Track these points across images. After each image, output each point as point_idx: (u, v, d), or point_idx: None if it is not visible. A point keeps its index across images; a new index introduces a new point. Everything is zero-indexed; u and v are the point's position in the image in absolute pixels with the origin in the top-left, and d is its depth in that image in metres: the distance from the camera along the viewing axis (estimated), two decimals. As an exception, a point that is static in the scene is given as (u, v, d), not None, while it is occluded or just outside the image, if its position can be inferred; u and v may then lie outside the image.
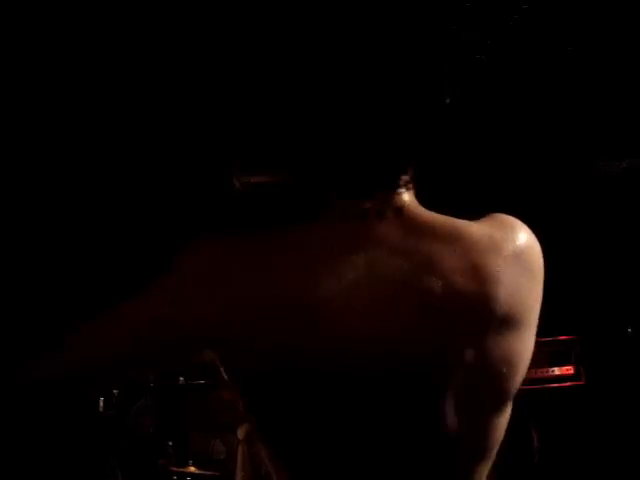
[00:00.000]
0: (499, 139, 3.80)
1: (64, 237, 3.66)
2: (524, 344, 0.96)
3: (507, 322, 0.92)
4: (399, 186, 0.95)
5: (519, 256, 0.95)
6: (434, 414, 0.90)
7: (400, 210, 0.94)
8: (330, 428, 0.90)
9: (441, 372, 0.90)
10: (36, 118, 3.31)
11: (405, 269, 0.89)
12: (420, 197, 0.99)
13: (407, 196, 0.96)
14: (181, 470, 4.90)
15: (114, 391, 5.49)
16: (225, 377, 0.96)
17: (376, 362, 0.88)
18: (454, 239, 0.92)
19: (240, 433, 5.73)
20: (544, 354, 5.45)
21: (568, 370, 5.64)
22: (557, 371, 5.64)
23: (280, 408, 0.91)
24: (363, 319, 0.88)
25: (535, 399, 4.87)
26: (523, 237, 0.97)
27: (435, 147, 0.98)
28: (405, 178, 0.96)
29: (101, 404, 5.47)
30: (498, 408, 0.96)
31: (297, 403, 0.90)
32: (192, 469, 4.93)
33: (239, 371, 0.93)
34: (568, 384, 5.63)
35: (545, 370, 5.60)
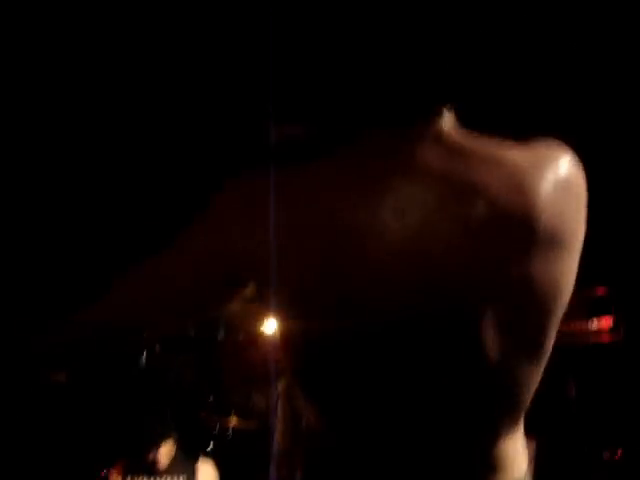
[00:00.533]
0: (540, 61, 3.62)
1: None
2: (568, 268, 0.95)
3: (551, 244, 0.91)
4: (439, 111, 0.94)
5: (563, 179, 0.93)
6: (478, 341, 0.89)
7: (440, 134, 0.93)
8: (372, 359, 0.90)
9: (487, 295, 0.89)
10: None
11: (449, 193, 0.89)
12: (462, 121, 0.97)
13: (448, 120, 0.95)
14: (222, 422, 4.99)
15: (156, 346, 5.64)
16: (267, 313, 0.96)
17: (420, 288, 0.88)
18: (497, 161, 0.91)
19: (280, 386, 5.81)
20: (582, 305, 5.40)
21: (607, 322, 5.59)
22: (595, 323, 5.59)
23: (322, 340, 0.92)
24: (408, 245, 0.88)
25: (572, 351, 4.84)
26: (568, 160, 0.95)
27: (476, 68, 0.96)
28: (445, 102, 0.94)
29: (143, 359, 5.61)
30: (540, 337, 0.95)
31: (339, 333, 0.90)
32: (233, 421, 5.03)
33: (282, 304, 0.94)
34: (606, 336, 5.57)
35: (583, 322, 5.55)
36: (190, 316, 1.06)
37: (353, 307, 0.88)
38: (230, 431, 5.01)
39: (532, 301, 0.91)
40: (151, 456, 2.75)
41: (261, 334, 5.42)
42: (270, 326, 5.35)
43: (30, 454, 5.03)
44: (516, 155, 0.93)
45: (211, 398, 5.01)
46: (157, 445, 2.77)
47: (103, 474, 4.04)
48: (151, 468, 2.78)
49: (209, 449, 4.42)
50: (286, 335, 0.97)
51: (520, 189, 0.89)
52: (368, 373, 0.91)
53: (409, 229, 0.88)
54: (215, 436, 4.68)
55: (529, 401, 0.98)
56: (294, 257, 0.88)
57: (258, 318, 5.36)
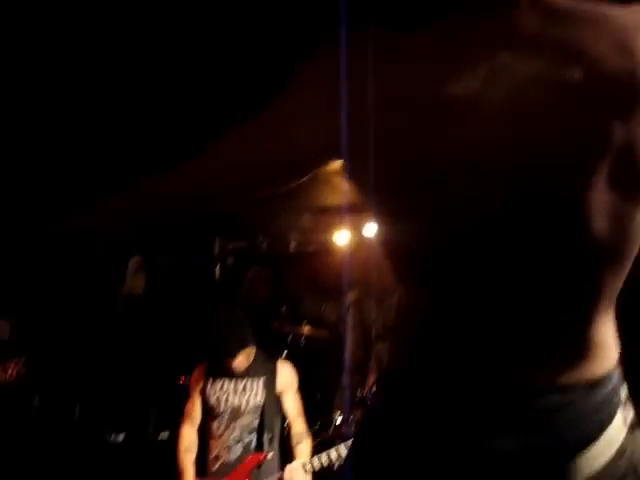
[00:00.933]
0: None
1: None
2: None
3: None
4: None
5: None
6: (580, 208, 0.85)
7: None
8: (474, 229, 0.87)
9: (590, 160, 0.84)
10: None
11: (548, 57, 0.84)
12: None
13: None
14: (295, 331, 5.10)
15: (229, 259, 5.62)
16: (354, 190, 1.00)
17: (520, 154, 0.84)
18: (598, 22, 0.85)
19: (350, 297, 5.96)
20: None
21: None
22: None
23: (421, 217, 0.89)
24: (506, 111, 0.83)
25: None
26: None
27: None
28: None
29: (217, 270, 5.61)
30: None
31: (437, 205, 0.87)
32: (306, 330, 5.15)
33: (375, 181, 0.91)
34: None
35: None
36: (272, 187, 1.08)
37: (450, 178, 0.85)
38: (303, 339, 5.14)
39: (634, 165, 0.86)
40: (230, 361, 2.82)
41: (332, 245, 5.43)
42: (342, 237, 5.36)
43: (114, 364, 5.13)
44: (620, 17, 0.86)
45: (283, 308, 5.08)
46: (237, 350, 2.84)
47: (183, 380, 4.16)
48: (231, 372, 2.87)
49: (283, 357, 4.55)
50: (384, 218, 0.96)
51: (624, 48, 0.83)
52: (471, 246, 0.89)
53: (506, 95, 0.83)
54: (288, 344, 4.80)
55: (623, 280, 0.94)
56: (384, 131, 0.85)
57: (329, 229, 5.36)
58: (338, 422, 4.42)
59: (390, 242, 0.98)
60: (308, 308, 5.69)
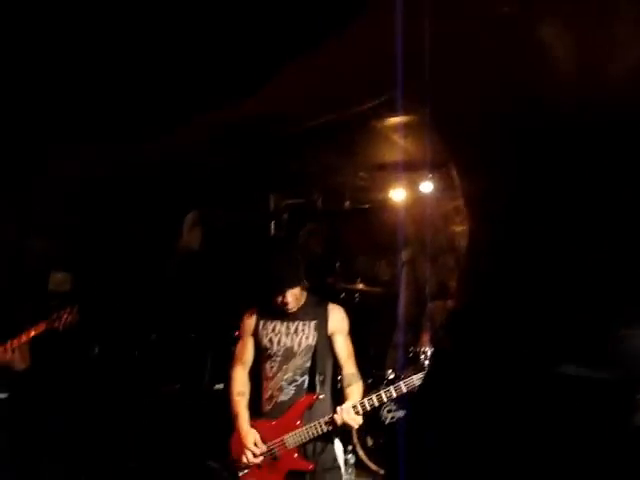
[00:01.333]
0: None
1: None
2: None
3: None
4: None
5: None
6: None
7: None
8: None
9: None
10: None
11: None
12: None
13: None
14: (349, 287, 5.13)
15: (284, 216, 5.66)
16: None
17: None
18: None
19: (405, 255, 5.94)
20: None
21: None
22: None
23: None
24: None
25: None
26: None
27: None
28: None
29: (272, 227, 5.66)
30: None
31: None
32: (360, 286, 5.16)
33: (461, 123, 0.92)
34: None
35: None
36: (339, 107, 1.09)
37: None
38: (356, 296, 5.16)
39: None
40: (281, 299, 2.83)
41: (388, 203, 5.40)
42: (397, 195, 5.32)
43: (171, 315, 5.29)
44: None
45: (338, 265, 5.10)
46: (291, 285, 2.85)
47: (238, 333, 4.24)
48: (282, 313, 2.89)
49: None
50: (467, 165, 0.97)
51: None
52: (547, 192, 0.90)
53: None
54: (342, 300, 4.83)
55: None
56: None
57: (385, 187, 5.32)
58: (390, 379, 4.46)
59: (470, 184, 0.98)
60: (362, 265, 5.70)
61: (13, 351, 3.20)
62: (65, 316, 3.21)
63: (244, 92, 3.58)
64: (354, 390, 2.80)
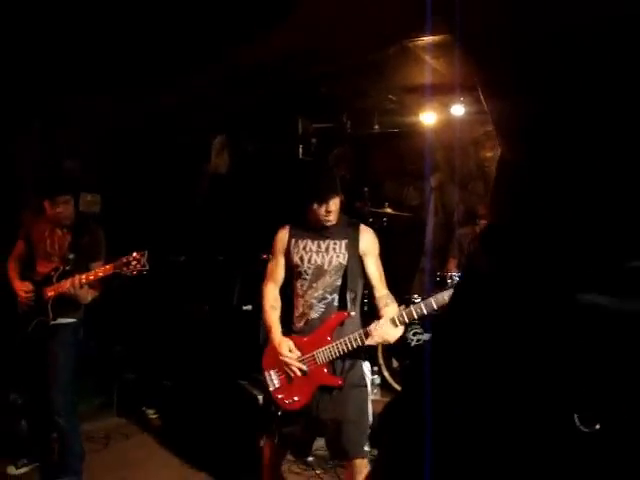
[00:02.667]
0: None
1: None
2: None
3: None
4: None
5: None
6: None
7: None
8: None
9: None
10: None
11: None
12: None
13: None
14: (377, 211, 5.11)
15: (312, 140, 5.61)
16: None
17: None
18: None
19: (433, 181, 5.89)
20: None
21: None
22: None
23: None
24: None
25: None
26: None
27: None
28: None
29: (300, 151, 5.63)
30: None
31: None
32: (388, 210, 5.15)
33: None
34: None
35: None
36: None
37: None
38: (384, 220, 5.15)
39: None
40: (325, 208, 2.85)
41: (417, 127, 5.32)
42: (427, 118, 5.23)
43: (199, 237, 5.35)
44: None
45: (366, 189, 5.08)
46: (328, 195, 2.86)
47: (266, 256, 4.29)
48: (315, 231, 2.91)
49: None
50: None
51: None
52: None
53: None
54: (370, 224, 4.83)
55: None
56: None
57: (415, 111, 5.24)
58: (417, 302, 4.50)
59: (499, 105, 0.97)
60: (390, 190, 5.68)
61: (81, 286, 3.30)
62: (134, 263, 3.25)
63: (273, 21, 3.50)
64: (391, 309, 2.83)
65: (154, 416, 4.78)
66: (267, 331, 2.93)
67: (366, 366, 2.91)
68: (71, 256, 3.40)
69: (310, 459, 3.79)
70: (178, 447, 4.14)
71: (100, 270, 3.29)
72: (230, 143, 5.78)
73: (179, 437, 4.27)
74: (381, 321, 2.73)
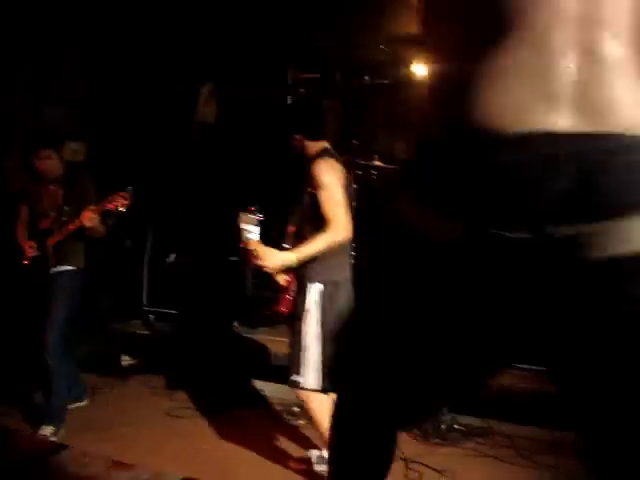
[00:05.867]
0: None
1: None
2: None
3: None
4: None
5: None
6: None
7: None
8: None
9: None
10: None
11: None
12: None
13: None
14: (366, 163, 5.08)
15: (301, 89, 5.47)
16: None
17: None
18: None
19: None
20: None
21: None
22: None
23: None
24: None
25: None
26: None
27: None
28: None
29: (289, 101, 5.52)
30: None
31: None
32: (377, 163, 5.11)
33: None
34: None
35: None
36: None
37: None
38: (374, 172, 5.11)
39: None
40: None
41: (408, 79, 5.24)
42: (418, 70, 5.15)
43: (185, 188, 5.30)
44: None
45: (354, 142, 5.03)
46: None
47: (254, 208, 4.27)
48: None
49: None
50: None
51: None
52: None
53: None
54: (359, 176, 4.81)
55: None
56: None
57: (406, 62, 5.16)
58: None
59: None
60: (380, 144, 5.60)
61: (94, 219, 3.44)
62: (119, 199, 3.40)
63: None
64: None
65: (133, 362, 4.78)
66: None
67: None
68: (66, 208, 3.58)
69: (296, 409, 3.81)
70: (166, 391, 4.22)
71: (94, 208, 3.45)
72: (217, 92, 5.67)
73: (167, 382, 4.34)
74: None
